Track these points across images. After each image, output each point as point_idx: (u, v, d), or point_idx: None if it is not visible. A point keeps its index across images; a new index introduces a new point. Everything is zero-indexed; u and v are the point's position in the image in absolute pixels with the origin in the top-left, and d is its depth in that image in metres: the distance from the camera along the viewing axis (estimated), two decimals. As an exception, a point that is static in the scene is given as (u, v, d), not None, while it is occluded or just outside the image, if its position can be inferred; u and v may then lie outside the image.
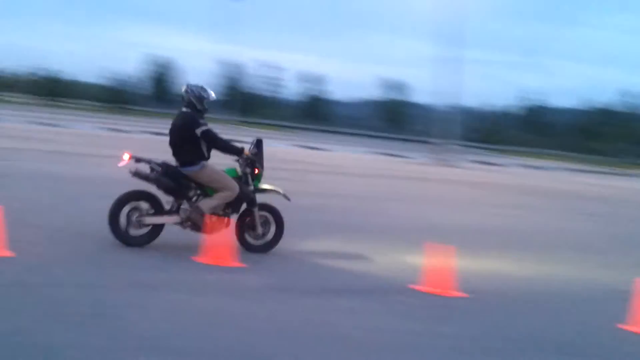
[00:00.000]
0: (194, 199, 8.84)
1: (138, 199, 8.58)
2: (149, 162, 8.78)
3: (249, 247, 9.09)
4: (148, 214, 8.57)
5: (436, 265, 7.97)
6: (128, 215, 8.49)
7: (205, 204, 8.72)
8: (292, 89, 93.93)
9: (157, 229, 8.68)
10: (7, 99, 64.57)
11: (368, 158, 38.56)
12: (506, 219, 16.13)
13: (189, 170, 8.77)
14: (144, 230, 8.62)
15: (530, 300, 8.25)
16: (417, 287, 7.99)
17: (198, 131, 8.74)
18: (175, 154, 8.97)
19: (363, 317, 6.70)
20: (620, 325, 7.25)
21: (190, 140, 8.79)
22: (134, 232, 8.57)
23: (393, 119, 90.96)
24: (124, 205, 8.50)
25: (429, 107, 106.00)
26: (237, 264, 8.19)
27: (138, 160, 8.82)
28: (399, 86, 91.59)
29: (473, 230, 13.48)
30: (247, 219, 9.11)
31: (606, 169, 57.85)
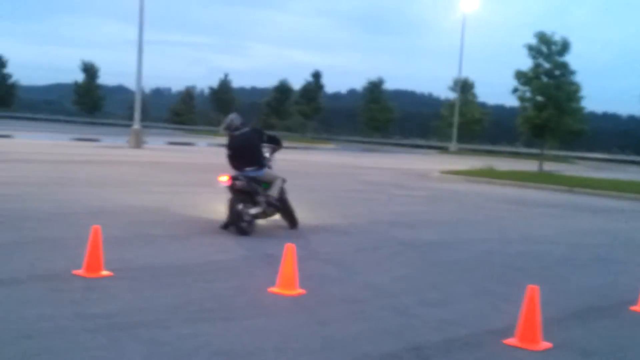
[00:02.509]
0: (261, 192, 11.45)
1: (244, 196, 11.21)
2: (236, 177, 11.22)
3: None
4: (249, 207, 11.24)
5: (91, 247, 7.67)
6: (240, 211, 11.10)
7: (273, 192, 11.61)
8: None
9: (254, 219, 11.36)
10: None
11: (57, 144, 36.69)
12: (178, 196, 16.14)
13: (260, 174, 11.58)
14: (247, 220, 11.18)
15: (183, 271, 8.22)
16: (76, 271, 7.61)
17: (265, 138, 11.99)
18: (245, 164, 11.52)
19: (11, 308, 6.20)
20: (269, 289, 7.47)
21: (259, 150, 11.80)
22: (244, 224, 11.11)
23: (91, 103, 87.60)
24: (238, 203, 11.09)
25: (126, 90, 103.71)
26: None
27: (232, 178, 11.17)
28: (91, 68, 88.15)
29: (142, 209, 13.26)
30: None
31: (292, 144, 61.08)
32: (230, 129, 11.73)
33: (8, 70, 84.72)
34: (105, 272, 7.67)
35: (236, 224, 11.04)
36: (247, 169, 11.49)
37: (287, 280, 7.51)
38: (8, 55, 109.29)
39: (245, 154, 11.60)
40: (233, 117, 11.98)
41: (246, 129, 11.80)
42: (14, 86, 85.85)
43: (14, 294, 6.69)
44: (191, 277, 7.95)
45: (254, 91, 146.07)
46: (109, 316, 6.14)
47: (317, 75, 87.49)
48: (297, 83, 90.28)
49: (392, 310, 7.05)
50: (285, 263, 7.53)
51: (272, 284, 7.65)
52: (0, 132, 40.75)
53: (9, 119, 73.11)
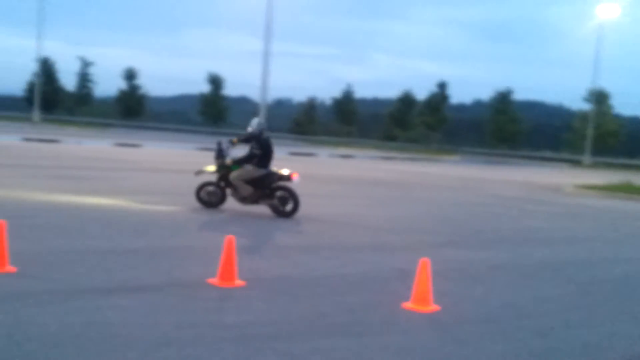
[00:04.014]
0: None
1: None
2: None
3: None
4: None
5: (225, 256, 7.83)
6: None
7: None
8: (108, 85, 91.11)
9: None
10: None
11: (183, 153, 37.98)
12: (305, 207, 16.24)
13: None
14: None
15: (315, 283, 8.26)
16: (210, 280, 7.81)
17: None
18: (268, 164, 13.86)
19: (148, 315, 6.40)
20: (403, 304, 7.39)
21: None
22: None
23: (216, 114, 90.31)
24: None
25: (249, 100, 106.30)
26: (12, 269, 7.58)
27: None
28: (217, 80, 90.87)
29: (269, 219, 13.47)
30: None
31: (415, 156, 60.81)
32: (261, 132, 13.79)
33: (139, 82, 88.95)
34: (239, 282, 7.83)
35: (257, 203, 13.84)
36: (270, 167, 13.82)
37: (421, 296, 7.41)
38: (139, 67, 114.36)
39: (270, 155, 13.90)
40: (263, 122, 14.03)
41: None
42: (143, 97, 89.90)
43: (153, 301, 6.92)
44: (322, 290, 7.98)
45: (376, 102, 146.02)
46: (244, 326, 6.24)
47: (442, 86, 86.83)
48: (420, 93, 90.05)
49: (533, 332, 6.81)
50: (420, 278, 7.43)
51: (405, 299, 7.57)
52: (130, 142, 42.63)
53: (139, 128, 76.32)
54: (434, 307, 7.35)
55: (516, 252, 11.84)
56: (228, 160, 13.94)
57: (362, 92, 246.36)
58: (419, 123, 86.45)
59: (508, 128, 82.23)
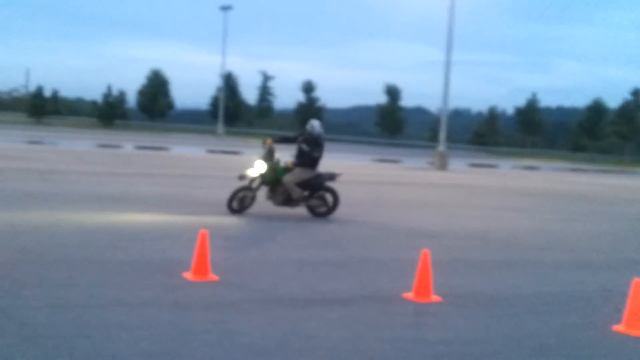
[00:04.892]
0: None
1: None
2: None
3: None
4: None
5: (421, 271, 7.76)
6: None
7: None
8: (286, 98, 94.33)
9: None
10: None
11: (363, 165, 38.40)
12: (496, 221, 15.85)
13: None
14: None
15: (514, 301, 8.01)
16: (405, 294, 7.77)
17: None
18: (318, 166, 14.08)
19: (348, 327, 6.44)
20: (614, 327, 6.99)
21: None
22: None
23: (389, 124, 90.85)
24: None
25: (425, 111, 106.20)
26: (214, 277, 7.92)
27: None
28: (394, 91, 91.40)
29: (460, 233, 13.24)
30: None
31: (606, 168, 58.08)
32: (322, 134, 14.04)
33: (316, 94, 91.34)
34: (435, 297, 7.73)
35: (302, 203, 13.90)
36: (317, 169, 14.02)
37: (635, 318, 6.96)
38: (316, 79, 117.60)
39: (322, 157, 14.10)
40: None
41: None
42: (321, 109, 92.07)
43: (351, 313, 6.95)
44: (523, 308, 7.71)
45: (561, 111, 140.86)
46: (447, 343, 6.13)
47: (637, 93, 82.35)
48: (610, 101, 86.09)
49: None
50: (634, 299, 6.99)
51: (616, 321, 7.15)
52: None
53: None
54: (653, 332, 6.87)
55: None
56: (289, 162, 13.98)
57: (545, 100, 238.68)
58: (611, 133, 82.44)
59: None
